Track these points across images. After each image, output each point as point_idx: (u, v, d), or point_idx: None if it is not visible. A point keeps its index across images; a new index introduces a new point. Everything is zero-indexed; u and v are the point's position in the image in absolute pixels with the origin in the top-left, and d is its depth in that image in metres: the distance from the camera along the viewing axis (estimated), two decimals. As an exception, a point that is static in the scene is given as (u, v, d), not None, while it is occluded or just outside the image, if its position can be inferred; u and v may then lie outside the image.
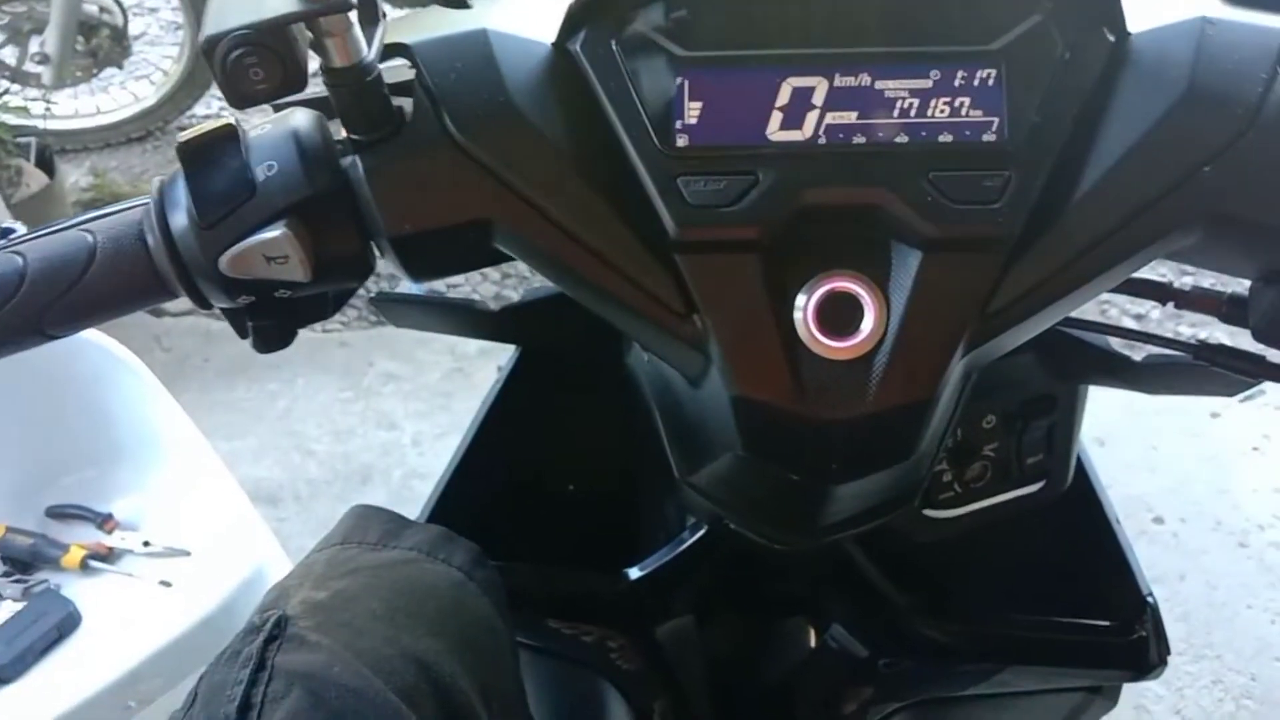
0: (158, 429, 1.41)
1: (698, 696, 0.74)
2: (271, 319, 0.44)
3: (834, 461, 0.42)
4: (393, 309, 0.58)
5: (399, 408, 2.11)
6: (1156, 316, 2.28)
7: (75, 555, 1.30)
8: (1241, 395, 2.10)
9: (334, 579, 0.52)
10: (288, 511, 1.91)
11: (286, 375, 2.16)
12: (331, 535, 0.56)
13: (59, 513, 1.37)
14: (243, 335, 0.45)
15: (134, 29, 2.79)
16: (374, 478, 1.98)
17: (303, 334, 0.46)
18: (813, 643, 0.77)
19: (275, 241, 0.40)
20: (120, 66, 2.74)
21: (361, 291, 0.49)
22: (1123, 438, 2.04)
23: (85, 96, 2.77)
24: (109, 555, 1.32)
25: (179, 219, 0.41)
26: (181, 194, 0.41)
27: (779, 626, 0.76)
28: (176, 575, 1.30)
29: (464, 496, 0.67)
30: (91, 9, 2.56)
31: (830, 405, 0.40)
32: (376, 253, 0.44)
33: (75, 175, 2.72)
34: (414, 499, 1.79)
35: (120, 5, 2.62)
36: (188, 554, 1.33)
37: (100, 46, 2.60)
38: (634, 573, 0.68)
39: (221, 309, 0.44)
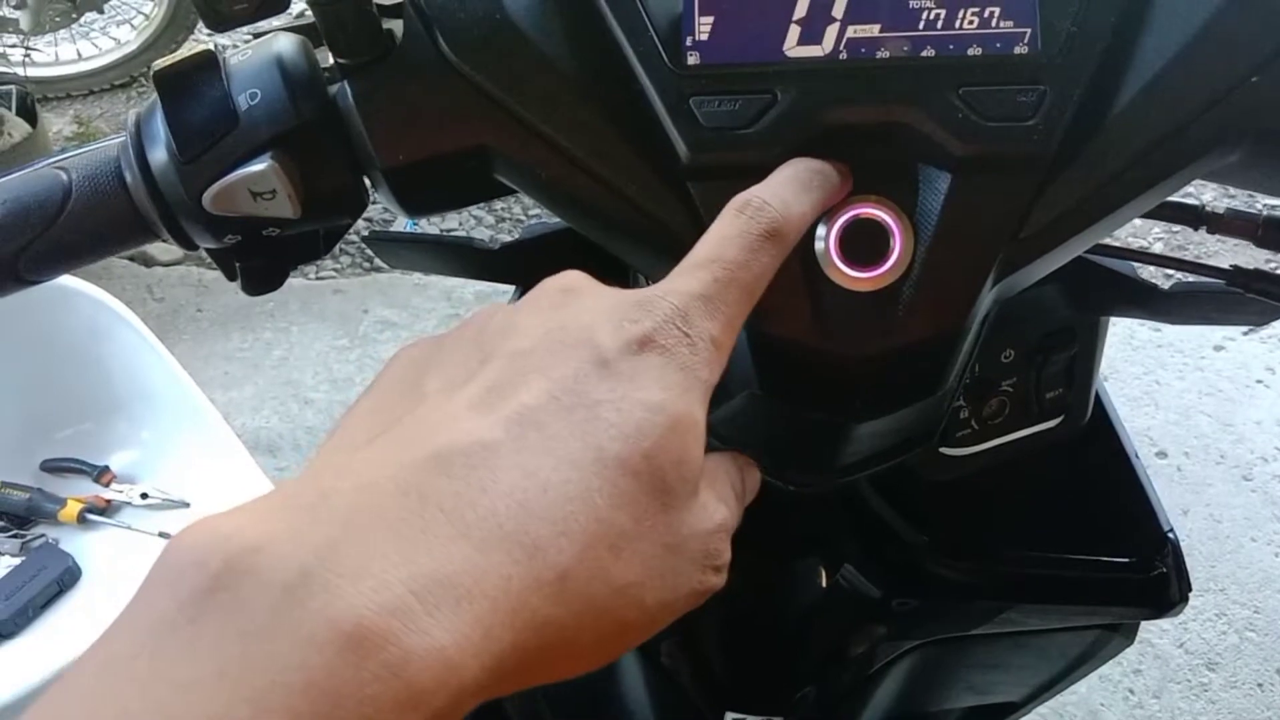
0: (152, 381, 1.39)
1: (708, 638, 0.73)
2: (260, 259, 0.41)
3: (858, 399, 0.40)
4: (387, 249, 0.55)
5: (396, 355, 2.09)
6: (1160, 249, 2.25)
7: (72, 509, 1.29)
8: (1246, 328, 2.08)
9: None
10: (287, 461, 1.90)
11: (281, 324, 2.14)
12: None
13: (54, 466, 1.36)
14: (231, 277, 0.42)
15: (113, -28, 2.73)
16: (373, 426, 1.96)
17: (297, 282, 0.44)
18: (824, 583, 0.76)
19: (261, 175, 0.37)
20: (100, 11, 2.67)
21: (354, 235, 0.46)
22: (1126, 372, 2.03)
23: (65, 43, 2.71)
24: (107, 508, 1.31)
25: (158, 154, 0.38)
26: (160, 127, 0.38)
27: (790, 567, 0.75)
28: (176, 527, 1.28)
29: None
30: (67, -49, 2.50)
31: (855, 340, 0.38)
32: (370, 187, 0.41)
33: (59, 124, 2.67)
34: (414, 446, 1.77)
35: (97, -53, 2.56)
36: (187, 505, 1.32)
37: (79, -10, 2.54)
38: None
39: (207, 250, 0.41)
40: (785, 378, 0.40)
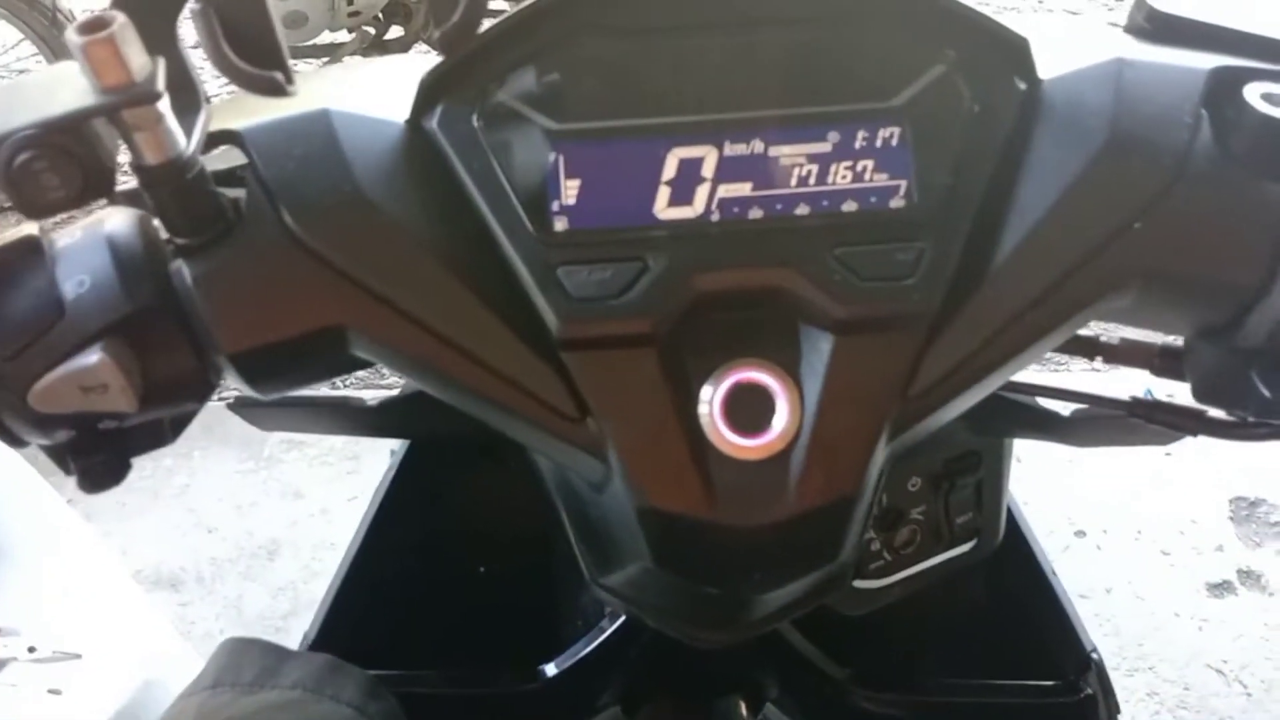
0: (38, 523, 1.31)
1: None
2: (98, 454, 0.38)
3: (754, 571, 0.38)
4: (255, 413, 0.52)
5: (304, 475, 2.02)
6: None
7: (-51, 671, 1.19)
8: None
9: None
10: (190, 595, 1.80)
11: (182, 449, 2.05)
12: (201, 678, 0.50)
13: (-70, 625, 1.26)
14: (67, 473, 0.38)
15: None
16: (282, 551, 1.88)
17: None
18: (747, 723, 0.73)
19: (91, 370, 0.34)
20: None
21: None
22: (1039, 453, 2.04)
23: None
24: (-12, 667, 1.21)
25: None
26: None
27: (711, 708, 0.72)
28: (67, 682, 1.19)
29: (355, 605, 0.60)
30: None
31: (746, 511, 0.36)
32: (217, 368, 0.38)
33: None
34: (326, 572, 1.70)
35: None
36: (79, 657, 1.23)
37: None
38: (551, 669, 0.63)
39: (40, 446, 0.38)
40: (677, 552, 0.38)
